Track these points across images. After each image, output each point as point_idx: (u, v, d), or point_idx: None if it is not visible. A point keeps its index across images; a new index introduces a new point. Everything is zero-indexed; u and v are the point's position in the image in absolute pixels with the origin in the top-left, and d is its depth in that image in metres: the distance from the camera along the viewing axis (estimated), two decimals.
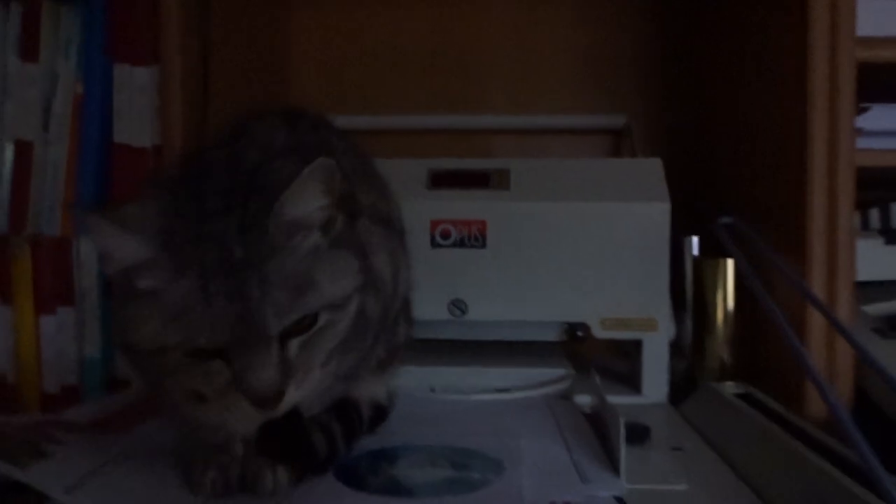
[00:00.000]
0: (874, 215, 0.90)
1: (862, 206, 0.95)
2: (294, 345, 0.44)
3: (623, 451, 0.52)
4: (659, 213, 0.78)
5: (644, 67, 1.10)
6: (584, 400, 0.74)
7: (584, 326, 0.79)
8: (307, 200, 0.45)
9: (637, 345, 0.79)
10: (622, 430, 0.52)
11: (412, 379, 0.75)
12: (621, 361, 0.86)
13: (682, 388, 0.81)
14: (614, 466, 0.53)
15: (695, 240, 0.88)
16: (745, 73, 0.93)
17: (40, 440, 0.48)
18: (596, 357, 0.88)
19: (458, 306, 0.79)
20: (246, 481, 0.49)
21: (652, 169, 0.81)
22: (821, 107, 0.72)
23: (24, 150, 0.82)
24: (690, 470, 0.56)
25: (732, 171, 0.97)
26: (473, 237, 0.79)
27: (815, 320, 0.73)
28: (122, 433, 0.59)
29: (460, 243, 0.79)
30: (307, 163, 0.44)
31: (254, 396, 0.42)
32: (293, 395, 0.44)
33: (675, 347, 0.86)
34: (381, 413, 0.63)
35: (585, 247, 0.78)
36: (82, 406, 0.65)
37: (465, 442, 0.59)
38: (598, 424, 0.65)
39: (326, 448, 0.52)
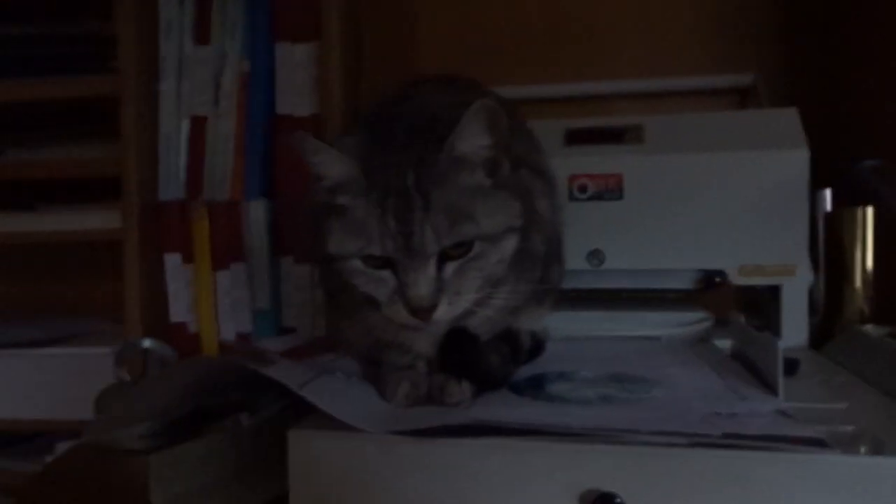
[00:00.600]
0: None
1: None
2: (450, 268, 0.51)
3: (780, 368, 0.55)
4: (797, 160, 0.79)
5: (769, 25, 1.10)
6: (723, 344, 0.76)
7: (721, 274, 0.81)
8: (472, 137, 0.51)
9: (775, 291, 0.81)
10: (779, 349, 0.55)
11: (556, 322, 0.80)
12: (751, 316, 0.88)
13: (818, 338, 0.83)
14: (770, 389, 0.56)
15: (827, 193, 0.89)
16: (879, 18, 0.92)
17: (261, 356, 0.56)
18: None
19: (597, 256, 0.83)
20: (433, 394, 0.55)
21: (788, 118, 0.82)
22: None
23: (198, 125, 0.92)
24: (846, 395, 0.58)
25: (870, 120, 0.96)
26: (610, 190, 0.83)
27: None
28: (307, 360, 0.67)
29: (598, 196, 0.83)
30: None
31: (410, 305, 0.50)
32: (445, 311, 0.51)
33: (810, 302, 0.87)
34: (537, 345, 0.68)
35: (722, 196, 0.80)
36: (274, 341, 0.74)
37: (623, 369, 0.63)
38: (742, 361, 0.67)
39: (501, 366, 0.58)
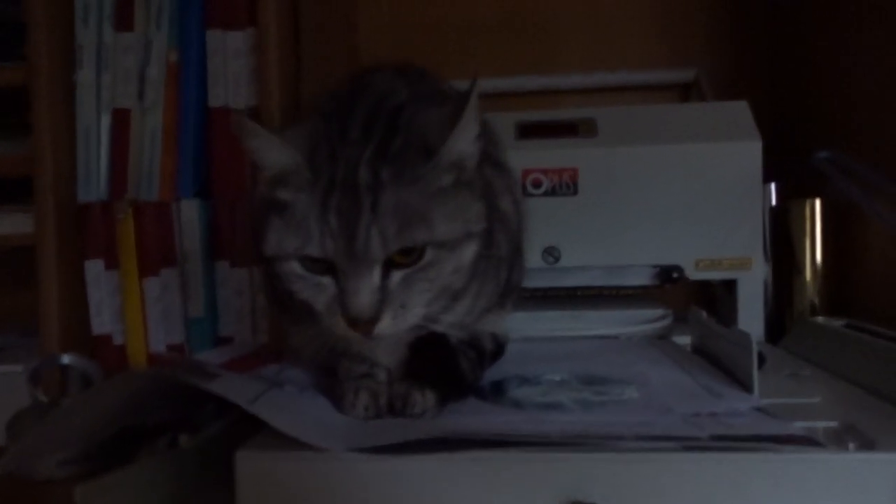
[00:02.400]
0: None
1: None
2: (396, 276, 0.45)
3: (755, 365, 0.53)
4: (750, 151, 0.78)
5: (713, 21, 1.10)
6: (682, 340, 0.75)
7: (678, 269, 0.80)
8: (468, 132, 0.47)
9: (730, 285, 0.80)
10: (754, 346, 0.53)
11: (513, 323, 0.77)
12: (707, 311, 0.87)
13: (769, 332, 0.82)
14: (741, 385, 0.54)
15: (773, 187, 0.89)
16: (840, 13, 0.92)
17: (201, 368, 0.51)
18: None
19: (552, 254, 0.81)
20: (394, 405, 0.51)
21: (739, 111, 0.82)
22: None
23: (121, 118, 0.84)
24: (816, 389, 0.57)
25: (822, 113, 0.96)
26: (565, 185, 0.80)
27: None
28: (252, 372, 0.61)
29: (552, 191, 0.80)
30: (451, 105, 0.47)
31: (349, 317, 0.45)
32: (388, 325, 0.45)
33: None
34: (500, 348, 0.65)
35: (677, 189, 0.79)
36: (213, 352, 0.68)
37: (591, 370, 0.60)
38: (704, 356, 0.66)
39: (471, 372, 0.54)
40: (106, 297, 0.84)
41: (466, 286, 0.52)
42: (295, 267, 0.46)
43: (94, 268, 0.84)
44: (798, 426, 0.45)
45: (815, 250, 0.85)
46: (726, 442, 0.42)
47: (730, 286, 0.81)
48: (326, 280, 0.46)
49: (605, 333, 0.77)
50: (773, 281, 0.86)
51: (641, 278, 0.82)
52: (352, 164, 0.45)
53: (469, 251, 0.48)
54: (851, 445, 0.43)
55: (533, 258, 0.80)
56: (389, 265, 0.45)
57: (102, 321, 0.84)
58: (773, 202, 0.89)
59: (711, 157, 0.79)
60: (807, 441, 0.42)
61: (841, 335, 0.68)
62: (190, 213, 0.83)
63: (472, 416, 0.49)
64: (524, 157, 0.81)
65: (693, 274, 0.79)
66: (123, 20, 0.84)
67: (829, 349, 0.67)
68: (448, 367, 0.52)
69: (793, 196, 0.88)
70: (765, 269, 0.80)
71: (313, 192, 0.45)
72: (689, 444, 0.41)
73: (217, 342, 0.83)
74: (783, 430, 0.43)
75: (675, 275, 0.79)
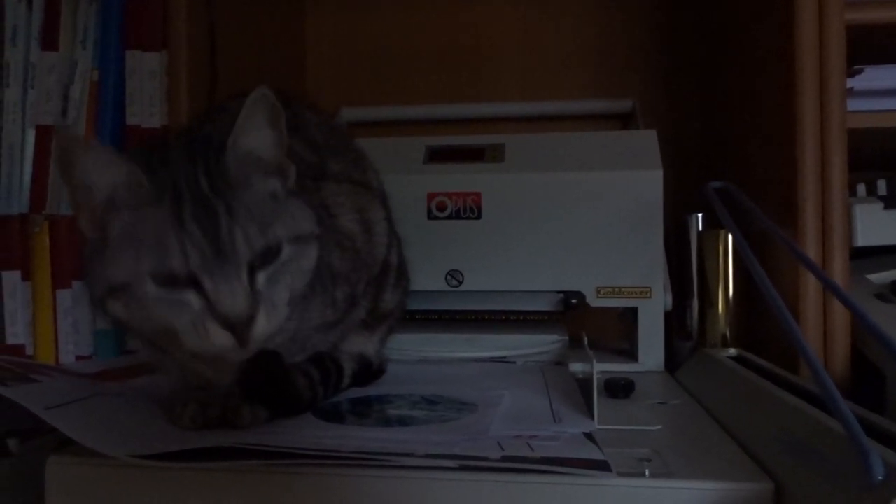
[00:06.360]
0: (881, 186, 0.88)
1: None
2: (261, 277, 0.46)
3: (595, 391, 0.53)
4: (652, 180, 0.78)
5: (649, 53, 1.11)
6: (578, 367, 0.74)
7: (579, 295, 0.79)
8: (255, 129, 0.48)
9: (633, 313, 0.79)
10: (594, 373, 0.53)
11: (408, 345, 0.77)
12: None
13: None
14: (591, 413, 0.54)
15: (699, 217, 0.88)
16: (740, 46, 0.94)
17: (32, 372, 0.51)
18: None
19: (455, 277, 0.81)
20: (224, 417, 0.51)
21: (646, 139, 0.82)
22: (809, 70, 0.72)
23: (44, 135, 0.86)
24: (669, 417, 0.56)
25: (731, 143, 0.97)
26: (469, 209, 0.80)
27: (810, 283, 0.72)
28: (118, 382, 0.62)
29: (456, 215, 0.81)
30: None
31: (227, 321, 0.44)
32: (264, 326, 0.45)
33: (682, 326, 0.86)
34: (367, 368, 0.65)
35: (580, 216, 0.79)
36: (86, 362, 0.68)
37: (443, 391, 0.60)
38: (587, 387, 0.65)
39: (307, 390, 0.54)
40: (20, 308, 0.85)
41: (306, 297, 0.52)
42: (150, 289, 0.44)
43: (10, 279, 0.85)
44: (608, 451, 0.44)
45: (728, 281, 0.84)
46: (512, 463, 0.41)
47: (636, 314, 0.80)
48: (189, 295, 0.44)
49: (497, 356, 0.76)
50: (698, 311, 0.86)
51: (544, 304, 0.81)
52: (192, 175, 0.46)
53: (314, 251, 0.50)
54: (647, 472, 0.42)
55: (436, 281, 0.81)
56: (253, 267, 0.45)
57: (16, 332, 0.85)
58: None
59: (613, 185, 0.78)
60: (600, 465, 0.42)
61: (722, 367, 0.67)
62: None
63: (284, 430, 0.49)
64: (430, 181, 0.81)
65: (594, 301, 0.79)
66: (49, 40, 0.86)
67: (710, 380, 0.66)
68: (280, 386, 0.52)
69: (715, 226, 0.87)
70: (667, 299, 0.79)
71: (160, 205, 0.45)
72: (469, 465, 0.41)
73: (123, 354, 0.84)
74: (579, 454, 0.43)
75: (574, 301, 0.79)
